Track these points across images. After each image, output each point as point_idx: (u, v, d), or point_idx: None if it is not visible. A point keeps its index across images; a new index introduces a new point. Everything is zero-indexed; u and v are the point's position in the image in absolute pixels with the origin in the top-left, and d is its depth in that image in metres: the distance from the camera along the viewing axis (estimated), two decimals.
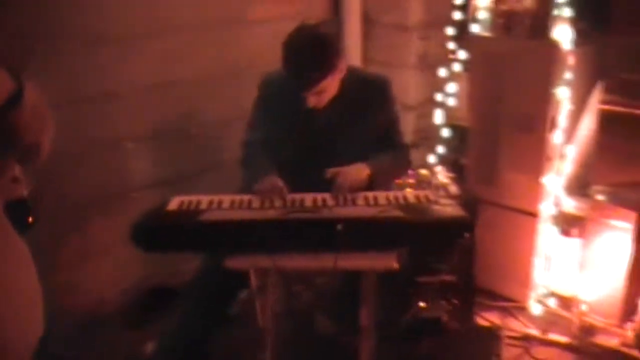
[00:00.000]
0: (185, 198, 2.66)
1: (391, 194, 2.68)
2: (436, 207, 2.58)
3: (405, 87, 4.30)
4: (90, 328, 3.22)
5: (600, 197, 2.67)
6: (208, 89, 3.68)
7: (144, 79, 3.36)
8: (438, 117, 4.22)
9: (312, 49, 2.68)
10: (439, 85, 4.24)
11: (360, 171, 2.76)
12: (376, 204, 2.60)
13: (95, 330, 3.24)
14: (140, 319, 3.40)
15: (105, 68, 3.18)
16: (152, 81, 3.40)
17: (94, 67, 3.13)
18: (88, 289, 3.30)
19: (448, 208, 2.57)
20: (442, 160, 4.13)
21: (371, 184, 2.78)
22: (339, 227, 2.32)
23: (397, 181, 3.29)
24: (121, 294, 3.46)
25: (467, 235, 2.72)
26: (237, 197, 2.66)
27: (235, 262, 2.46)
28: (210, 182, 3.57)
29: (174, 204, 2.63)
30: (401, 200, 2.63)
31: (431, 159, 4.14)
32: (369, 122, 2.91)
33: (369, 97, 2.91)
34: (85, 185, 3.22)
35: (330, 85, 2.77)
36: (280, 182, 2.68)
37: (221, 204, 2.62)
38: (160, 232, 2.51)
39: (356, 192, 2.69)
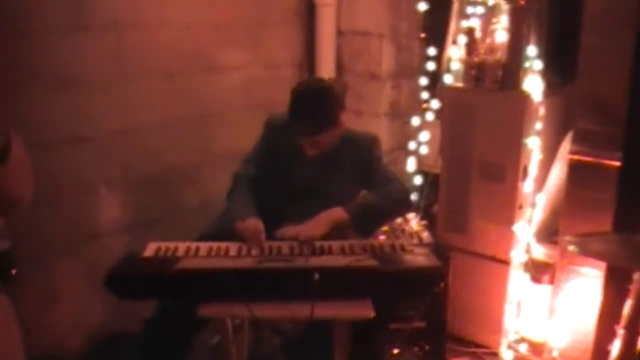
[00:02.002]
0: (162, 244, 2.63)
1: (367, 243, 2.68)
2: (410, 256, 2.59)
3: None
4: None
5: (570, 248, 2.70)
6: (175, 134, 3.68)
7: (111, 124, 3.35)
8: (410, 164, 4.27)
9: (317, 100, 2.77)
10: (410, 133, 4.30)
11: (323, 217, 2.75)
12: (352, 252, 2.59)
13: None
14: None
15: (73, 113, 3.16)
16: (120, 126, 3.39)
17: (61, 113, 3.11)
18: (51, 332, 3.22)
19: (422, 257, 2.57)
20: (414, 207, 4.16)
21: (356, 225, 2.78)
22: (316, 276, 2.31)
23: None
24: (84, 339, 3.40)
25: (441, 284, 2.73)
26: (214, 245, 2.64)
27: (210, 310, 2.42)
28: (176, 227, 3.58)
29: (150, 250, 2.59)
30: (376, 249, 2.63)
31: None
32: (356, 175, 2.95)
33: (359, 154, 2.95)
34: (52, 229, 3.17)
35: (328, 138, 2.83)
36: (262, 228, 2.68)
37: (198, 251, 2.59)
38: (135, 280, 2.46)
39: (325, 234, 2.69)
